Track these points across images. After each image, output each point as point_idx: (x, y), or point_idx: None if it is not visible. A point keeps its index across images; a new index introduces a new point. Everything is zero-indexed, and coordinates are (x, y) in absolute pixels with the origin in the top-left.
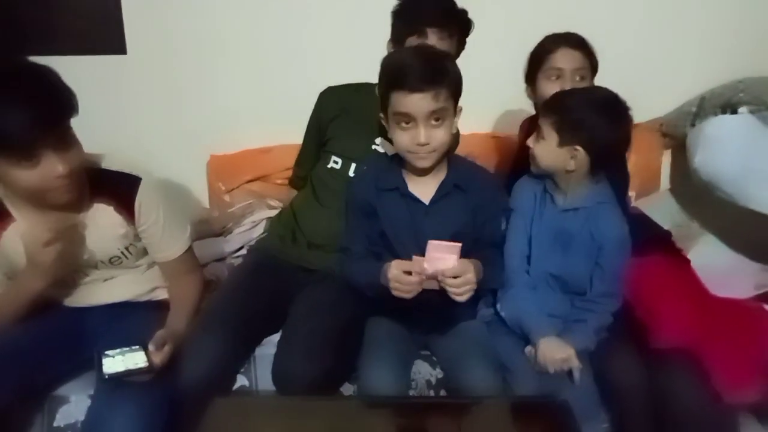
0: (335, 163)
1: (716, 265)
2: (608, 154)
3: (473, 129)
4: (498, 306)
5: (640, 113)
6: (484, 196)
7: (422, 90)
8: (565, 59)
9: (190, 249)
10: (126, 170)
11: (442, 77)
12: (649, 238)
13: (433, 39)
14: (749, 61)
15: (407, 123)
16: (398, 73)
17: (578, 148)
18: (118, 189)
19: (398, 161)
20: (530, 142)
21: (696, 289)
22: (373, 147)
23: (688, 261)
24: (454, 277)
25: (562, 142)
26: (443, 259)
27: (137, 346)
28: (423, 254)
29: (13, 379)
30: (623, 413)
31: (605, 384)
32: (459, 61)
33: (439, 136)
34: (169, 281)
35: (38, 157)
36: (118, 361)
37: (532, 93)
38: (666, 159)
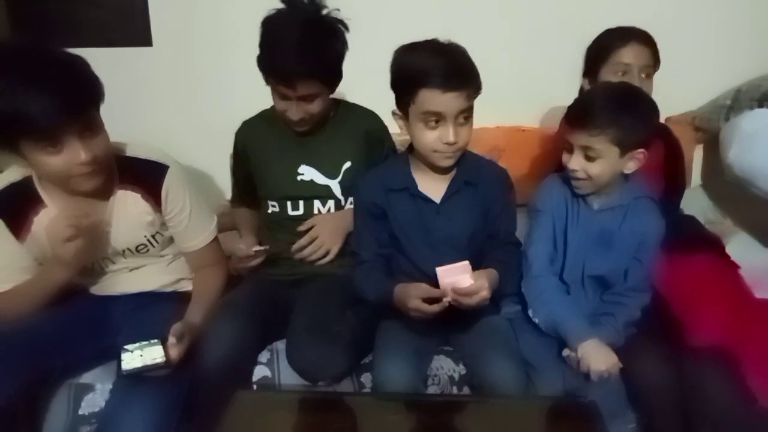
0: (273, 206)
1: (750, 263)
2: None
3: (499, 122)
4: (530, 312)
5: (671, 106)
6: (494, 188)
7: (456, 89)
8: (634, 55)
9: (215, 240)
10: (153, 158)
11: (472, 75)
12: (698, 238)
13: (282, 89)
14: None
15: (436, 122)
16: (430, 71)
17: (642, 150)
18: (146, 176)
19: (405, 160)
20: (576, 164)
21: (738, 290)
22: (299, 178)
23: (736, 266)
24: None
25: (624, 152)
26: (457, 282)
27: (156, 340)
28: (434, 253)
29: (35, 363)
30: (652, 413)
31: (634, 383)
32: (483, 54)
33: (465, 134)
34: (194, 272)
35: (62, 144)
36: (136, 357)
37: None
38: (698, 154)
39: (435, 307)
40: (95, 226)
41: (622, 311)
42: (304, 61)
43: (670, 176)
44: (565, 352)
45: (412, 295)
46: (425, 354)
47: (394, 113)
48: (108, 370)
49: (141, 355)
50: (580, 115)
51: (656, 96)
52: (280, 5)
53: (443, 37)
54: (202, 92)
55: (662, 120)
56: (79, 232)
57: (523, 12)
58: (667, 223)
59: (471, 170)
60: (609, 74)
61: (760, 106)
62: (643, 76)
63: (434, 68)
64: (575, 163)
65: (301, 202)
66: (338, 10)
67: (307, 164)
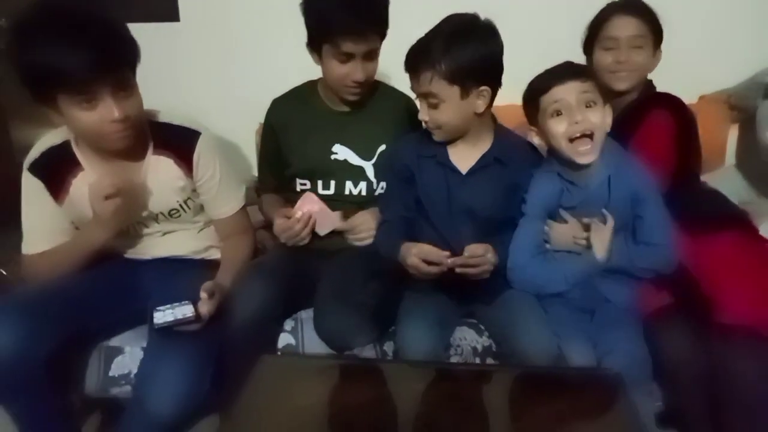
0: (303, 184)
1: None
2: None
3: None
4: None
5: (706, 84)
6: (523, 170)
7: (409, 73)
8: (619, 27)
9: (244, 209)
10: (186, 125)
11: (434, 60)
12: (724, 215)
13: (349, 47)
14: None
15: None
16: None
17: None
18: (179, 142)
19: None
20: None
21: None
22: (333, 157)
23: (765, 241)
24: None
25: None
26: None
27: (186, 301)
28: (454, 222)
29: (66, 325)
30: (679, 390)
31: (662, 358)
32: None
33: (436, 116)
34: (222, 240)
35: (96, 99)
36: (168, 314)
37: (591, 65)
38: (732, 133)
39: (433, 269)
40: (133, 187)
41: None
42: (373, 10)
43: (682, 153)
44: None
45: (413, 253)
46: (448, 324)
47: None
48: (137, 333)
49: (172, 312)
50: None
51: (690, 73)
52: None
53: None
54: (230, 67)
55: (696, 99)
56: (118, 191)
57: None
58: (686, 200)
59: (506, 149)
60: (600, 49)
61: None
62: (634, 47)
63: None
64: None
65: (332, 182)
66: None
67: (342, 143)
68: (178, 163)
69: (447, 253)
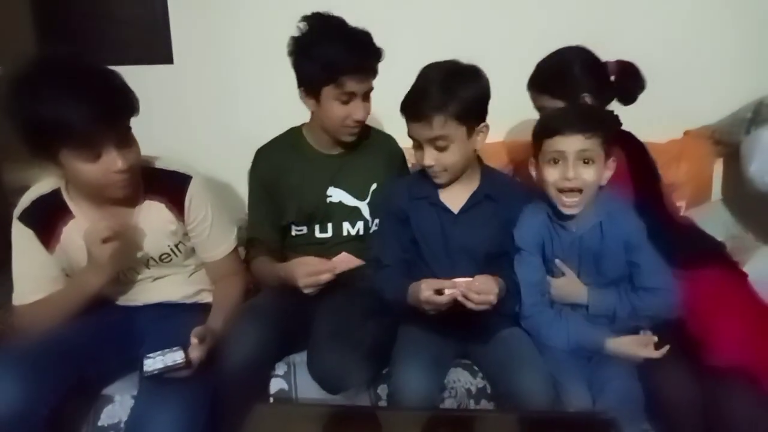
0: (299, 231)
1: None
2: None
3: (518, 137)
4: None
5: (691, 120)
6: (514, 206)
7: (419, 119)
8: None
9: (235, 250)
10: (177, 169)
11: (441, 105)
12: (702, 250)
13: (353, 86)
14: None
15: (417, 145)
16: (406, 97)
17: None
18: (170, 186)
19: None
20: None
21: (753, 305)
22: (328, 200)
23: (744, 275)
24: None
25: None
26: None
27: (177, 347)
28: (451, 262)
29: (67, 375)
30: (672, 430)
31: (656, 399)
32: (496, 71)
33: (444, 159)
34: (214, 282)
35: (100, 152)
36: (158, 360)
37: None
38: (718, 168)
39: (444, 298)
40: (129, 231)
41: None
42: (374, 48)
43: (638, 179)
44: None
45: (423, 287)
46: (443, 364)
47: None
48: (128, 382)
49: (162, 359)
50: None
51: (674, 109)
52: (301, 21)
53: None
54: (223, 108)
55: (680, 134)
56: (115, 234)
57: (540, 27)
58: (651, 226)
59: (495, 186)
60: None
61: None
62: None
63: (409, 96)
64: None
65: (329, 225)
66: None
67: (336, 186)
68: (169, 208)
69: (454, 280)
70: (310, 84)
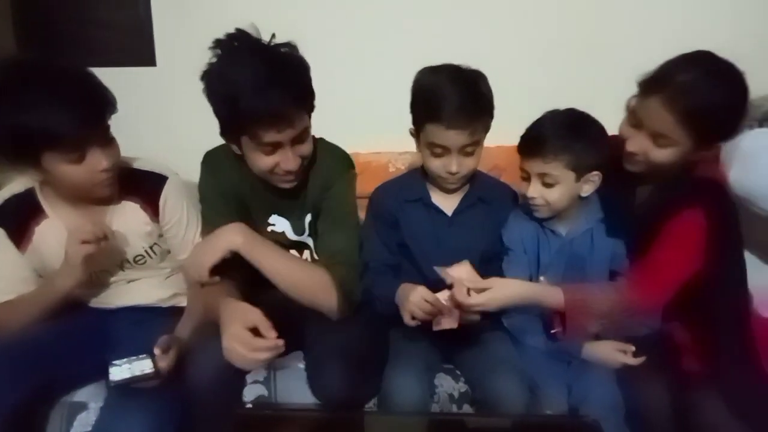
0: None
1: (753, 283)
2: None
3: (500, 142)
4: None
5: None
6: (506, 208)
7: (459, 127)
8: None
9: None
10: (153, 169)
11: (480, 113)
12: None
13: (272, 137)
14: None
15: (441, 152)
16: (436, 105)
17: (596, 172)
18: (145, 186)
19: (422, 172)
20: (533, 193)
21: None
22: (270, 229)
23: None
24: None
25: (579, 176)
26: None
27: (144, 355)
28: (445, 265)
29: (33, 378)
30: None
31: (635, 406)
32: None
33: (469, 164)
34: (188, 285)
35: (84, 153)
36: (124, 369)
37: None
38: None
39: (432, 309)
40: (110, 235)
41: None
42: (294, 85)
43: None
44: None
45: (418, 291)
46: (432, 370)
47: (411, 132)
48: (102, 388)
49: (129, 368)
50: (533, 143)
51: None
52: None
53: (451, 55)
54: (206, 111)
55: None
56: (95, 239)
57: (528, 33)
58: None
59: (486, 188)
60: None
61: (760, 125)
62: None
63: (442, 104)
64: (534, 190)
65: None
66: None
67: (278, 214)
68: (144, 208)
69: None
70: (224, 129)
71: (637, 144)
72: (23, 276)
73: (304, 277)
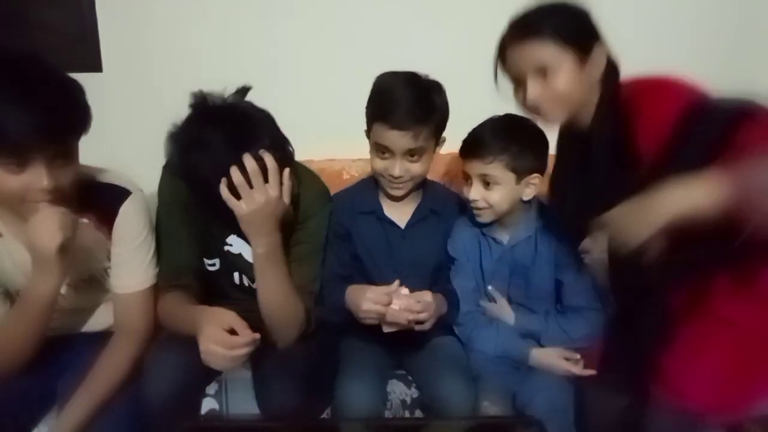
0: (211, 266)
1: None
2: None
3: (453, 149)
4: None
5: None
6: (455, 219)
7: (403, 128)
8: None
9: (149, 294)
10: (117, 183)
11: (427, 117)
12: None
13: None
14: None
15: (384, 154)
16: (384, 105)
17: (536, 175)
18: (102, 202)
19: (375, 185)
20: (475, 195)
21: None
22: (226, 248)
23: None
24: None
25: (520, 177)
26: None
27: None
28: (398, 277)
29: None
30: None
31: (584, 409)
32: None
33: (414, 169)
34: (114, 330)
35: (26, 165)
36: None
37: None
38: None
39: (381, 308)
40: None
41: (574, 328)
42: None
43: None
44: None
45: (367, 297)
46: (384, 376)
47: (366, 133)
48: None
49: None
50: (473, 145)
51: None
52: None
53: (403, 66)
54: (153, 118)
55: None
56: (64, 228)
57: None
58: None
59: (438, 200)
60: None
61: None
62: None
63: (390, 105)
64: (475, 192)
65: (235, 274)
66: None
67: (238, 235)
68: (98, 227)
69: (396, 282)
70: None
71: (534, 91)
72: None
73: (286, 310)
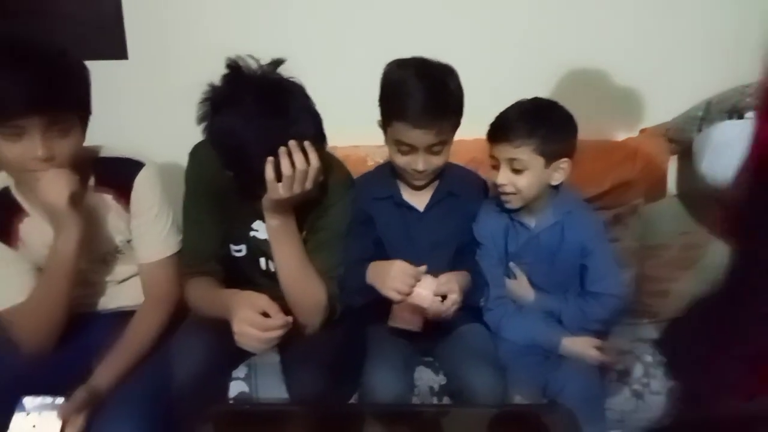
0: (237, 251)
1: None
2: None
3: (477, 134)
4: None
5: (646, 118)
6: (474, 199)
7: (425, 126)
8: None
9: (173, 261)
10: (129, 156)
11: (447, 112)
12: None
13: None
14: (755, 65)
15: (407, 150)
16: (402, 103)
17: (566, 159)
18: (118, 175)
19: (390, 169)
20: (503, 179)
21: None
22: (252, 234)
23: None
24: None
25: (549, 162)
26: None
27: (60, 401)
28: (419, 261)
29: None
30: None
31: None
32: (461, 66)
33: (436, 162)
34: (144, 296)
35: (22, 133)
36: (29, 422)
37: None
38: (672, 165)
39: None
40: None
41: (593, 311)
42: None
43: None
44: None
45: (392, 275)
46: (411, 364)
47: (379, 124)
48: None
49: (33, 426)
50: (501, 128)
51: (630, 109)
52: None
53: (422, 51)
54: (179, 105)
55: (637, 132)
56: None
57: (500, 24)
58: None
59: (455, 181)
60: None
61: (730, 117)
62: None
63: (408, 102)
64: (503, 177)
65: (261, 260)
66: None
67: (263, 221)
68: (116, 199)
69: (423, 267)
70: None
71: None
72: (26, 268)
73: (305, 287)
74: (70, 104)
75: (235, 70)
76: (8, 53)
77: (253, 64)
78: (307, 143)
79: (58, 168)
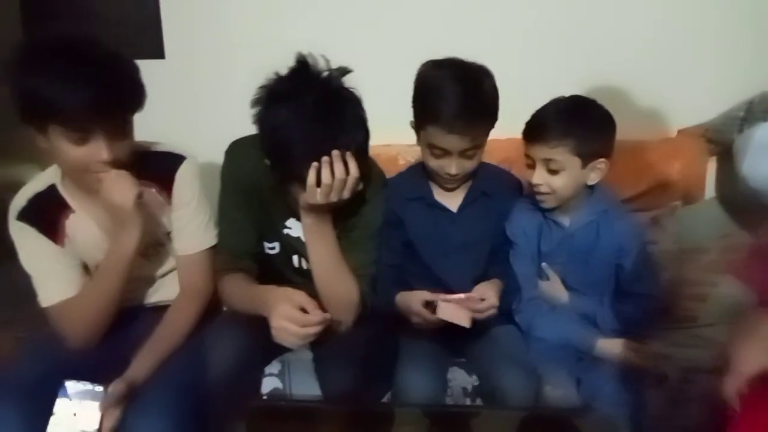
0: (271, 249)
1: None
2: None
3: (511, 133)
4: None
5: (683, 119)
6: (508, 200)
7: (460, 132)
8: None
9: (208, 255)
10: (171, 150)
11: (483, 118)
12: None
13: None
14: None
15: (440, 153)
16: (437, 107)
17: (603, 159)
18: (161, 168)
19: (424, 170)
20: (538, 179)
21: None
22: (285, 231)
23: None
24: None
25: (585, 163)
26: (455, 317)
27: (101, 390)
28: (451, 262)
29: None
30: None
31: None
32: (494, 65)
33: (469, 165)
34: (180, 289)
35: (88, 137)
36: (68, 416)
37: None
38: (711, 166)
39: (435, 317)
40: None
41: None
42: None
43: None
44: None
45: (414, 301)
46: (444, 365)
47: (411, 125)
48: None
49: (74, 414)
50: (537, 128)
51: (668, 108)
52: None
53: (456, 48)
54: (216, 104)
55: (674, 133)
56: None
57: (532, 24)
58: None
59: (489, 181)
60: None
61: None
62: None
63: (443, 107)
64: (538, 177)
65: (294, 257)
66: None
67: (297, 219)
68: (159, 192)
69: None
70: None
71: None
72: (73, 264)
73: (338, 284)
74: (134, 106)
75: (302, 65)
76: (73, 59)
77: (322, 65)
78: (348, 154)
79: (118, 168)
